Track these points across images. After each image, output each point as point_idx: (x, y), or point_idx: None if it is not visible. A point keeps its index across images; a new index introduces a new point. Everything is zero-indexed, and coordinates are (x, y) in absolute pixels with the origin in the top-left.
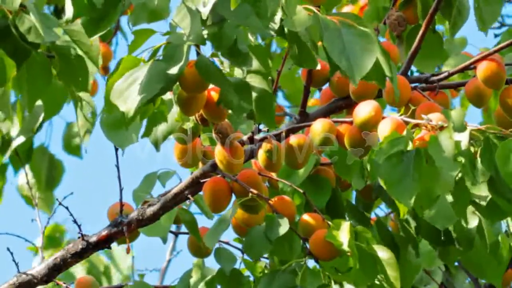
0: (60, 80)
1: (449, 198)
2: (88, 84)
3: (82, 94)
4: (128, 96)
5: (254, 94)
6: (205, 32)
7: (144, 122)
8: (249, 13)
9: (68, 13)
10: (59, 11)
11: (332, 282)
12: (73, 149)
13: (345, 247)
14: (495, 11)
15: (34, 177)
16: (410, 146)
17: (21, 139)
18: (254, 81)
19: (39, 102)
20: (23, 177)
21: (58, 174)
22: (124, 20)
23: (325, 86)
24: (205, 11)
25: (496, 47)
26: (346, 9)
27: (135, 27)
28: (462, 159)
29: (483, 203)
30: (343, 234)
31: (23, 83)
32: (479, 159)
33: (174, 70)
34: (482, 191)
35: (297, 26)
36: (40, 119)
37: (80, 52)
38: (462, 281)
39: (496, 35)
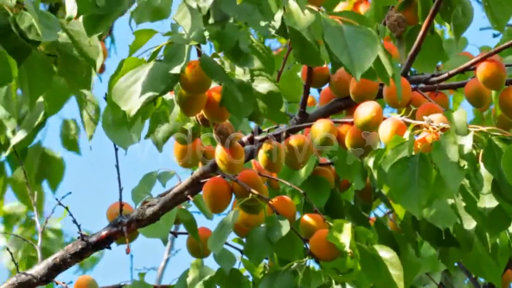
0: (63, 77)
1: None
2: (91, 81)
3: (85, 92)
4: (130, 95)
5: (262, 92)
6: (206, 33)
7: (147, 122)
8: (253, 10)
9: (69, 11)
10: (53, 9)
11: (333, 283)
12: (72, 145)
13: (347, 248)
14: (508, 9)
15: (27, 173)
16: (413, 151)
17: (21, 136)
18: (262, 79)
19: (39, 99)
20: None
21: (54, 171)
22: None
23: (325, 87)
24: (205, 6)
25: (496, 48)
26: (341, 5)
27: (138, 26)
28: (465, 164)
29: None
30: (345, 235)
31: (24, 81)
32: (481, 163)
33: (176, 70)
34: (486, 202)
35: (299, 24)
36: (40, 116)
37: (79, 52)
38: (461, 281)
39: (495, 35)
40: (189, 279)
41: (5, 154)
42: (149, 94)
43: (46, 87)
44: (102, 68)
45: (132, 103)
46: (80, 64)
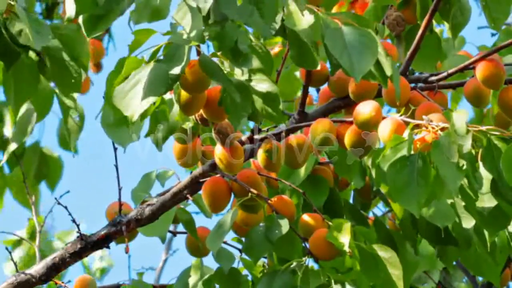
0: (53, 82)
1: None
2: (80, 85)
3: (72, 98)
4: (131, 99)
5: (260, 92)
6: (206, 33)
7: (146, 121)
8: (252, 11)
9: (69, 12)
10: (50, 9)
11: (332, 282)
12: (68, 145)
13: (346, 248)
14: (505, 9)
15: (25, 173)
16: (412, 150)
17: (17, 142)
18: (259, 78)
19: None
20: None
21: (52, 170)
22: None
23: (324, 86)
24: (205, 7)
25: (496, 47)
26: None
27: (136, 26)
28: (464, 163)
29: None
30: (344, 234)
31: (10, 86)
32: (480, 162)
33: (176, 71)
34: (485, 202)
35: (299, 25)
36: (34, 120)
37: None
38: (460, 280)
39: (493, 34)
40: (189, 279)
41: (3, 161)
42: (151, 99)
43: (32, 93)
44: (99, 67)
45: (134, 107)
46: (69, 69)
